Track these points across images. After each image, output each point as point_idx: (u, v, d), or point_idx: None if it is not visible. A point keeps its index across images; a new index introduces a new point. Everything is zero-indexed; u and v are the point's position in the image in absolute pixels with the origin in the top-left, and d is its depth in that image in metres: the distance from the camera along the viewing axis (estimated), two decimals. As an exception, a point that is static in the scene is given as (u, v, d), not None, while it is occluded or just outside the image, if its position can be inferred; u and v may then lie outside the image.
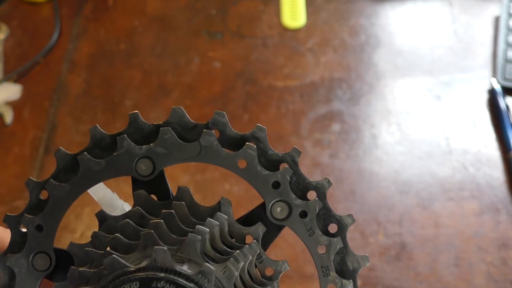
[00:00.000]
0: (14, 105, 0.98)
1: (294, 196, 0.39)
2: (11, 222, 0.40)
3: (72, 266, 0.37)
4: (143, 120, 0.40)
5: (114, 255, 0.34)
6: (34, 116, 0.97)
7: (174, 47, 1.04)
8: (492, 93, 0.95)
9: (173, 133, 0.39)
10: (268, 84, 0.99)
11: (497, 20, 1.03)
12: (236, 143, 0.40)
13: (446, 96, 0.97)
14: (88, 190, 0.40)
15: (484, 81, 0.97)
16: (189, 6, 1.10)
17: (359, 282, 0.81)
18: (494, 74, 0.97)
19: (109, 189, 0.42)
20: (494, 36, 1.02)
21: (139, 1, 1.11)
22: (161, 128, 0.39)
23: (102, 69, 1.03)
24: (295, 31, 1.05)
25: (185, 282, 0.33)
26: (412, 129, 0.94)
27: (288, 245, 0.81)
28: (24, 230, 0.40)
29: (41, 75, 1.02)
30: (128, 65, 1.03)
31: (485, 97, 0.96)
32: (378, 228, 0.84)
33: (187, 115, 0.40)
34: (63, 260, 0.39)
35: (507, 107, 0.92)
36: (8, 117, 0.97)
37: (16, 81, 1.02)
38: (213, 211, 0.39)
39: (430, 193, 0.87)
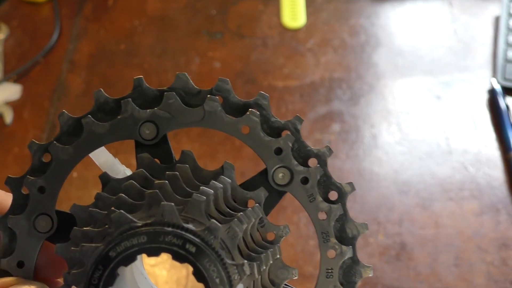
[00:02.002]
0: (14, 105, 0.98)
1: (296, 162, 0.39)
2: (13, 184, 0.40)
3: (75, 227, 0.37)
4: (147, 85, 0.40)
5: (121, 211, 0.34)
6: (34, 116, 0.97)
7: (174, 47, 1.04)
8: (492, 93, 0.94)
9: (177, 98, 0.39)
10: (268, 84, 0.99)
11: (497, 20, 1.03)
12: (239, 109, 0.40)
13: (446, 96, 0.97)
14: (90, 155, 0.40)
15: (484, 81, 0.97)
16: (189, 6, 1.10)
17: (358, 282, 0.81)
18: (494, 74, 0.97)
19: (111, 154, 0.42)
20: (494, 36, 1.02)
21: (139, 1, 1.11)
22: (165, 93, 0.39)
23: (102, 69, 1.03)
24: (295, 31, 1.05)
25: (192, 236, 0.33)
26: (412, 129, 0.93)
27: (288, 245, 0.81)
28: (25, 192, 0.39)
29: (41, 75, 1.02)
30: (128, 65, 1.03)
31: (485, 97, 0.96)
32: (378, 228, 0.84)
33: (191, 81, 0.40)
34: (65, 223, 0.39)
35: (507, 107, 0.92)
36: (8, 117, 0.97)
37: (16, 81, 1.01)
38: (216, 175, 0.39)
39: (430, 193, 0.87)
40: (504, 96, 0.93)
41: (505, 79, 0.95)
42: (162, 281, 0.80)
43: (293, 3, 1.08)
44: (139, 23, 1.08)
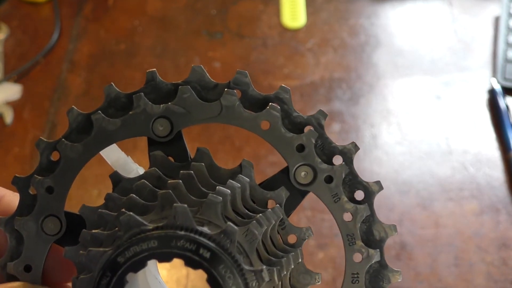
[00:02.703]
0: (14, 105, 0.98)
1: (319, 160, 0.37)
2: (20, 184, 0.38)
3: (84, 229, 0.35)
4: (161, 79, 0.38)
5: (131, 213, 0.32)
6: (34, 116, 0.97)
7: (174, 47, 1.04)
8: (492, 93, 0.94)
9: (193, 92, 0.37)
10: (268, 84, 0.99)
11: (497, 20, 1.03)
12: (258, 104, 0.38)
13: (446, 96, 0.97)
14: (102, 153, 0.38)
15: (484, 81, 0.97)
16: (189, 6, 1.10)
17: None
18: (494, 74, 0.97)
19: (123, 152, 0.40)
20: (494, 36, 1.02)
21: (139, 1, 1.11)
22: (180, 87, 0.37)
23: (102, 69, 1.03)
24: (295, 31, 1.05)
25: (206, 241, 0.31)
26: (412, 129, 0.93)
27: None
28: (33, 192, 0.38)
29: (41, 75, 1.02)
30: (128, 65, 1.03)
31: (485, 97, 0.96)
32: (378, 228, 0.84)
33: (207, 74, 0.38)
34: (74, 225, 0.37)
35: (507, 107, 0.92)
36: (8, 117, 0.97)
37: (16, 81, 1.01)
38: (234, 174, 0.37)
39: (430, 193, 0.87)
40: (504, 96, 0.93)
41: (505, 79, 0.95)
42: (162, 281, 0.80)
43: (293, 3, 1.08)
44: (139, 23, 1.08)
